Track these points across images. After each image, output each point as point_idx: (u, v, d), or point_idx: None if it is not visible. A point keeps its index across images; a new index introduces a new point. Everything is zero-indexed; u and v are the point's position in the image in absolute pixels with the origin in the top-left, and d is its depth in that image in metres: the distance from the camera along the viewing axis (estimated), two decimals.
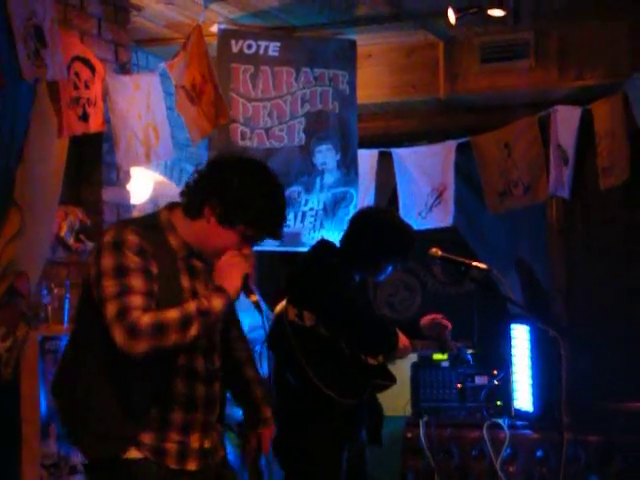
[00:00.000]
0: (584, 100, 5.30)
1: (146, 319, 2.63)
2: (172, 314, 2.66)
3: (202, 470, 2.84)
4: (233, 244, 2.81)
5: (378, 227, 3.95)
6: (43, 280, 3.88)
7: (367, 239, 3.91)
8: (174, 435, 2.78)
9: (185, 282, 2.82)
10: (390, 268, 4.05)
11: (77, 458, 3.91)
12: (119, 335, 2.61)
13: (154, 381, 2.75)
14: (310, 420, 3.90)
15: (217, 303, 2.72)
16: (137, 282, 2.68)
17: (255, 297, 2.91)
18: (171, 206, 2.89)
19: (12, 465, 3.63)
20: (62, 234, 4.10)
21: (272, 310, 5.14)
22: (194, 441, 2.82)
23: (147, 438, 2.74)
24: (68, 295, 4.02)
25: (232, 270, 2.79)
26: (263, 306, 3.37)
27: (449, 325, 4.05)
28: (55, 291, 3.97)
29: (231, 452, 5.09)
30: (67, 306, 4.01)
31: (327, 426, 3.87)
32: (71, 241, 4.15)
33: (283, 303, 4.04)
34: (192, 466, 2.81)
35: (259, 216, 2.79)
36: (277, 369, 4.02)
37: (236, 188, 2.76)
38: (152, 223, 2.83)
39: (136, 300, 2.65)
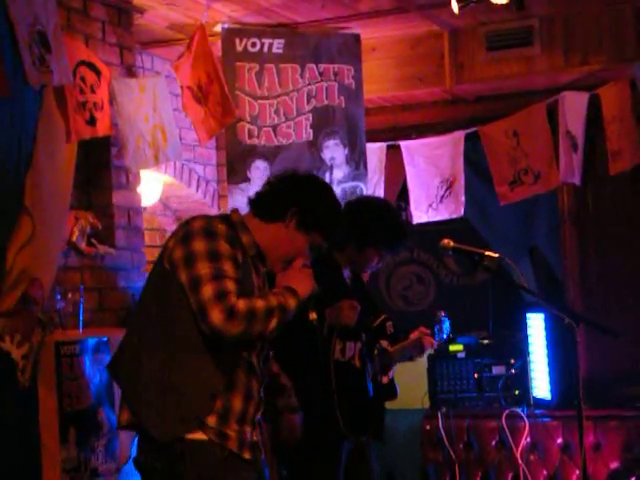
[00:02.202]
0: (591, 85, 5.29)
1: (241, 304, 2.79)
2: (260, 303, 2.84)
3: (254, 461, 2.97)
4: (302, 250, 3.07)
5: (366, 212, 3.95)
6: (56, 285, 3.89)
7: (355, 223, 3.86)
8: (233, 423, 2.91)
9: (254, 279, 3.02)
10: (377, 259, 3.94)
11: (97, 461, 3.92)
12: (217, 316, 2.76)
13: (223, 368, 2.89)
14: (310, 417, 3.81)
15: (292, 302, 2.91)
16: (229, 268, 2.85)
17: (314, 315, 3.30)
18: (237, 210, 3.12)
19: (33, 471, 3.64)
20: (74, 239, 4.11)
21: None
22: (247, 432, 2.96)
23: (212, 421, 2.87)
24: (82, 300, 4.03)
25: (303, 277, 3.00)
26: None
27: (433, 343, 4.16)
28: (69, 296, 3.98)
29: None
30: (82, 310, 4.02)
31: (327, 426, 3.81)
32: (83, 245, 4.16)
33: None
34: (247, 455, 2.94)
35: (330, 225, 3.09)
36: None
37: (318, 198, 3.08)
38: (226, 220, 3.01)
39: (231, 284, 2.82)
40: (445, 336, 4.53)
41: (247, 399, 2.96)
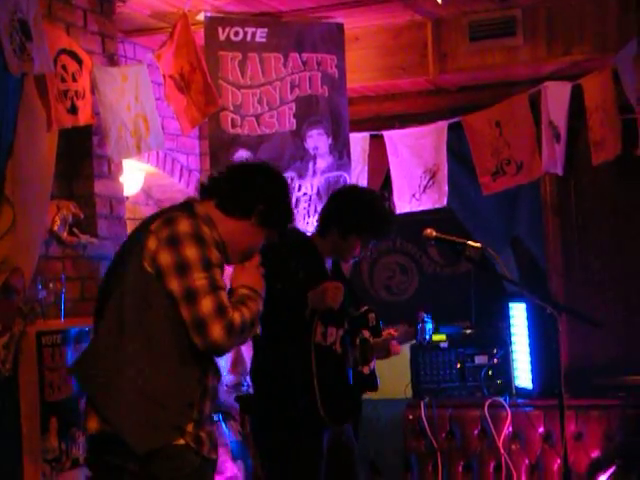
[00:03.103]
0: (574, 75, 5.29)
1: (237, 318, 2.77)
2: (247, 314, 2.82)
3: (216, 460, 2.96)
4: (258, 246, 3.05)
5: (352, 200, 3.92)
6: (38, 275, 3.87)
7: (340, 210, 3.88)
8: (206, 426, 2.89)
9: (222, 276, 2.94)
10: (359, 248, 3.90)
11: (78, 451, 3.92)
12: (218, 332, 2.72)
13: (199, 376, 2.85)
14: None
15: (261, 305, 2.94)
16: (220, 277, 2.81)
17: None
18: (200, 200, 3.02)
19: (13, 460, 3.63)
20: (55, 228, 4.09)
21: None
22: (213, 432, 2.94)
23: (190, 426, 2.82)
24: (64, 289, 4.02)
25: (260, 277, 2.99)
26: None
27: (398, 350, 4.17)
28: (50, 286, 3.96)
29: (233, 440, 5.12)
30: (63, 300, 4.01)
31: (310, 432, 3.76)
32: (65, 235, 4.14)
33: None
34: (214, 455, 2.93)
35: (288, 221, 3.13)
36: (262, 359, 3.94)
37: (282, 195, 3.09)
38: (192, 214, 2.91)
39: (225, 297, 2.78)
40: (428, 337, 4.49)
41: (213, 400, 2.95)
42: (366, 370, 4.04)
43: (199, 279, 2.73)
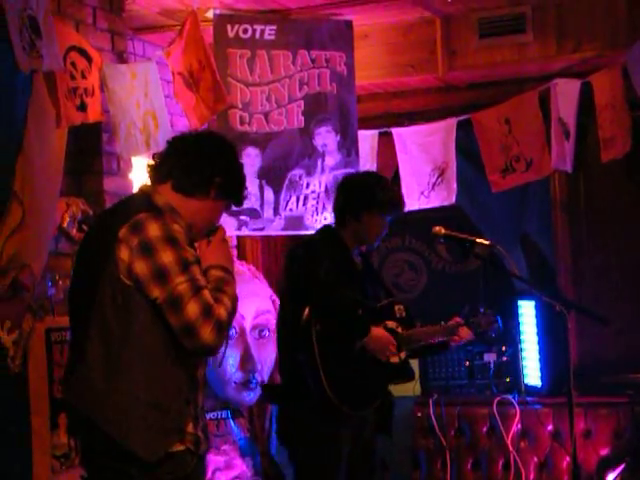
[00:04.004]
0: (583, 72, 5.28)
1: (222, 313, 2.73)
2: (228, 303, 2.78)
3: (207, 449, 2.95)
4: (219, 219, 2.99)
5: (350, 182, 4.16)
6: (47, 272, 3.88)
7: (345, 196, 4.07)
8: (202, 420, 2.88)
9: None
10: (377, 225, 3.98)
11: None
12: (209, 334, 2.68)
13: (191, 372, 2.83)
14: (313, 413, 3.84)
15: (234, 285, 2.88)
16: (200, 275, 2.75)
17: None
18: (152, 187, 2.91)
19: (23, 457, 3.65)
20: (64, 225, 4.10)
21: (277, 295, 5.16)
22: (206, 422, 2.93)
23: (190, 426, 2.81)
24: None
25: (228, 251, 2.97)
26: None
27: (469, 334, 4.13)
28: (60, 282, 3.97)
29: (242, 437, 5.13)
30: None
31: (329, 418, 3.82)
32: (74, 232, 4.15)
33: None
34: (205, 446, 2.90)
35: (242, 189, 3.00)
36: (286, 354, 3.99)
37: (235, 163, 2.98)
38: (156, 208, 2.82)
39: (208, 295, 2.72)
40: (493, 335, 4.38)
41: (204, 390, 2.94)
42: (395, 360, 3.96)
43: (180, 284, 2.68)
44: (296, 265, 3.90)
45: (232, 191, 2.96)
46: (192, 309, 2.67)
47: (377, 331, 3.88)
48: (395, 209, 4.08)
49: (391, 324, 4.02)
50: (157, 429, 2.73)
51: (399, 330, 4.02)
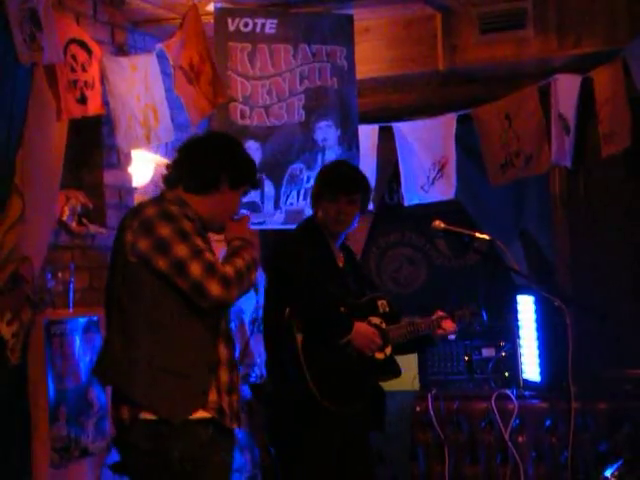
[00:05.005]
0: (584, 68, 5.28)
1: (229, 269, 2.93)
2: (240, 263, 2.99)
3: (236, 428, 3.08)
4: (239, 206, 3.22)
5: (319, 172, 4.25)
6: (47, 265, 3.89)
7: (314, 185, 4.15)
8: (225, 396, 3.00)
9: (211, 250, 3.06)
10: (332, 211, 3.95)
11: (87, 440, 3.93)
12: (216, 288, 2.87)
13: (210, 342, 3.00)
14: (301, 412, 3.80)
15: (255, 253, 3.11)
16: (200, 242, 2.95)
17: None
18: (169, 190, 3.14)
19: (23, 449, 3.65)
20: (64, 218, 4.10)
21: None
22: (235, 401, 3.05)
23: (213, 394, 2.97)
24: (72, 279, 4.03)
25: (248, 227, 3.20)
26: None
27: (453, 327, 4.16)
28: (59, 275, 3.98)
29: (239, 430, 5.13)
30: (72, 290, 4.02)
31: (315, 417, 3.79)
32: (74, 225, 4.15)
33: None
34: (235, 424, 3.05)
35: (253, 172, 3.22)
36: (271, 353, 3.97)
37: (238, 154, 3.19)
38: (160, 200, 3.08)
39: (211, 256, 2.93)
40: (477, 327, 4.39)
41: (231, 369, 3.05)
42: (380, 356, 3.94)
43: (181, 250, 2.89)
44: (278, 264, 3.89)
45: (242, 180, 3.17)
46: (195, 268, 2.87)
47: (361, 326, 3.84)
48: (345, 191, 3.95)
49: (375, 320, 3.98)
50: (180, 393, 2.91)
51: (383, 326, 3.98)
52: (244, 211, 3.34)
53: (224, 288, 2.88)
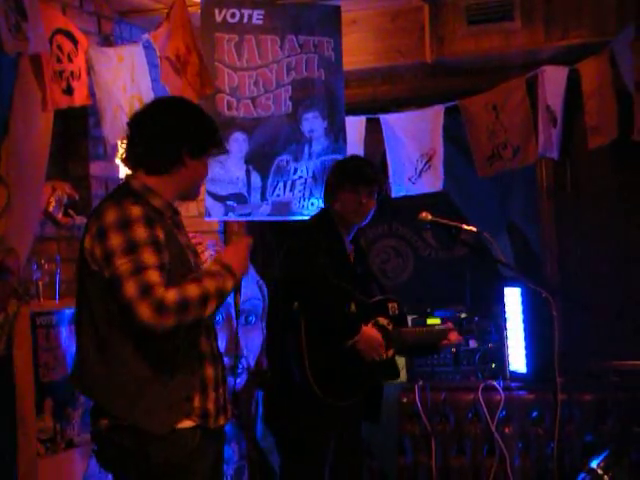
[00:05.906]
0: (571, 60, 5.28)
1: (170, 296, 2.70)
2: (193, 291, 2.75)
3: (224, 425, 3.01)
4: (206, 171, 3.04)
5: (334, 164, 4.39)
6: (33, 256, 3.87)
7: (326, 176, 4.25)
8: (211, 393, 2.91)
9: (182, 239, 2.97)
10: (358, 197, 4.01)
11: (73, 432, 3.92)
12: (145, 312, 2.66)
13: (192, 342, 2.88)
14: (299, 400, 3.86)
15: (229, 285, 2.87)
16: (150, 256, 2.75)
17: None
18: (132, 176, 2.99)
19: (8, 441, 3.64)
20: (50, 209, 4.09)
21: (264, 279, 5.16)
22: (221, 395, 2.96)
23: (196, 399, 2.87)
24: (58, 270, 4.02)
25: (243, 258, 2.97)
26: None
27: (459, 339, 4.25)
28: (45, 266, 3.97)
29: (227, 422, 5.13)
30: (58, 281, 4.01)
31: (313, 407, 3.84)
32: (60, 216, 4.14)
33: None
34: (222, 421, 2.97)
35: (215, 133, 3.02)
36: (274, 340, 3.99)
37: (195, 122, 2.97)
38: (132, 194, 2.91)
39: (154, 276, 2.72)
40: None
41: (214, 362, 2.97)
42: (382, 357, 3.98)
43: (122, 265, 2.73)
44: (293, 257, 3.90)
45: (205, 147, 3.00)
46: (129, 288, 2.70)
47: (368, 331, 3.89)
48: (366, 182, 4.04)
49: (382, 320, 4.04)
50: (163, 402, 2.80)
51: (390, 328, 4.03)
52: (248, 237, 3.12)
53: (155, 314, 2.66)
